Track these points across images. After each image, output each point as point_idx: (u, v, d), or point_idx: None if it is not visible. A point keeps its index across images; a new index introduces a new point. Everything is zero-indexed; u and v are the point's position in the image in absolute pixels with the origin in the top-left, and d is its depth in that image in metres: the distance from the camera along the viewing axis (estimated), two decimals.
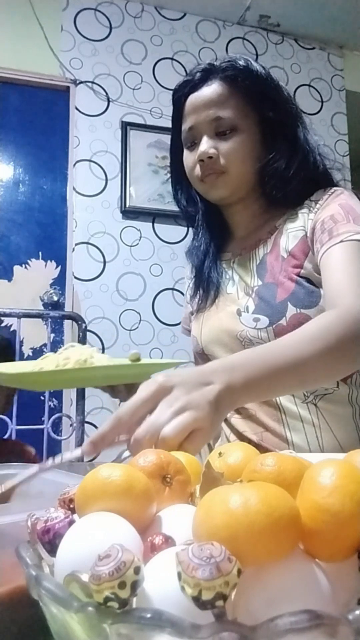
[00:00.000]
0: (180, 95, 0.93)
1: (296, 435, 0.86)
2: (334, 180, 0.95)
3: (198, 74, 0.91)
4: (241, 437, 0.90)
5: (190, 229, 1.08)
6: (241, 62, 0.89)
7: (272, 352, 0.63)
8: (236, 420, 0.93)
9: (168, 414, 0.49)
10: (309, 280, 0.86)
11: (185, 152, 0.95)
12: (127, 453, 0.51)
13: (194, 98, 0.91)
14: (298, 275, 0.87)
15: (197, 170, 0.91)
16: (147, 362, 0.88)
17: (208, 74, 0.90)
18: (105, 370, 0.82)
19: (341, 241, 0.79)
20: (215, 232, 1.01)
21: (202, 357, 0.98)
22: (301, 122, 0.93)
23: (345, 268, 0.77)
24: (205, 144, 0.89)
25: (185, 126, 0.93)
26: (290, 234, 0.90)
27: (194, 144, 0.92)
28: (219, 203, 0.97)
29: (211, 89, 0.89)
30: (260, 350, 0.65)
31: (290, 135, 0.90)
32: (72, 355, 0.81)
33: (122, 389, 0.89)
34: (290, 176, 0.89)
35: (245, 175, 0.90)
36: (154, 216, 2.52)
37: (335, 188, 0.91)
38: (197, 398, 0.51)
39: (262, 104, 0.89)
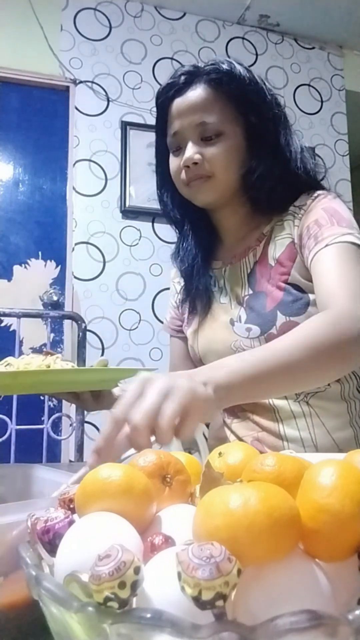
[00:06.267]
0: (164, 99, 0.92)
1: (289, 429, 0.88)
2: (317, 184, 0.93)
3: (182, 77, 0.89)
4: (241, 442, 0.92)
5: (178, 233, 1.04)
6: (224, 66, 0.87)
7: (264, 355, 0.62)
8: (236, 425, 0.95)
9: (155, 397, 0.47)
10: (296, 287, 0.86)
11: (171, 157, 0.93)
12: (131, 451, 0.51)
13: (179, 102, 0.89)
14: (285, 282, 0.87)
15: (183, 175, 0.90)
16: (113, 368, 0.87)
17: (193, 77, 0.89)
18: (69, 375, 0.80)
19: (326, 245, 0.79)
20: (204, 238, 1.00)
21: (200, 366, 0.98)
22: (285, 126, 0.91)
23: (333, 271, 0.78)
24: (190, 150, 0.87)
25: (170, 131, 0.91)
26: (278, 241, 0.90)
27: (179, 149, 0.91)
28: (206, 207, 0.95)
29: (196, 93, 0.88)
30: (250, 353, 0.64)
31: (273, 140, 0.89)
32: (33, 361, 0.80)
33: (88, 397, 0.88)
34: (274, 183, 0.88)
35: (230, 180, 0.89)
36: (153, 216, 2.51)
37: (318, 192, 0.90)
38: (182, 382, 0.49)
39: (246, 108, 0.88)
